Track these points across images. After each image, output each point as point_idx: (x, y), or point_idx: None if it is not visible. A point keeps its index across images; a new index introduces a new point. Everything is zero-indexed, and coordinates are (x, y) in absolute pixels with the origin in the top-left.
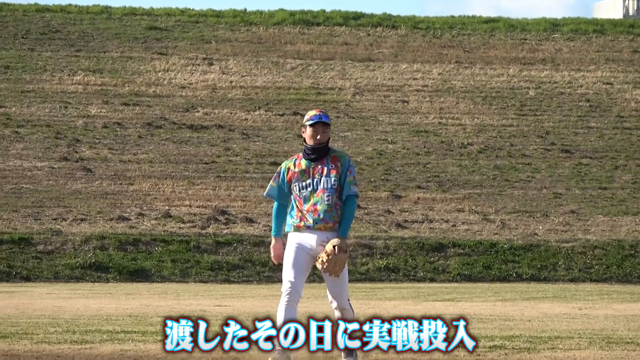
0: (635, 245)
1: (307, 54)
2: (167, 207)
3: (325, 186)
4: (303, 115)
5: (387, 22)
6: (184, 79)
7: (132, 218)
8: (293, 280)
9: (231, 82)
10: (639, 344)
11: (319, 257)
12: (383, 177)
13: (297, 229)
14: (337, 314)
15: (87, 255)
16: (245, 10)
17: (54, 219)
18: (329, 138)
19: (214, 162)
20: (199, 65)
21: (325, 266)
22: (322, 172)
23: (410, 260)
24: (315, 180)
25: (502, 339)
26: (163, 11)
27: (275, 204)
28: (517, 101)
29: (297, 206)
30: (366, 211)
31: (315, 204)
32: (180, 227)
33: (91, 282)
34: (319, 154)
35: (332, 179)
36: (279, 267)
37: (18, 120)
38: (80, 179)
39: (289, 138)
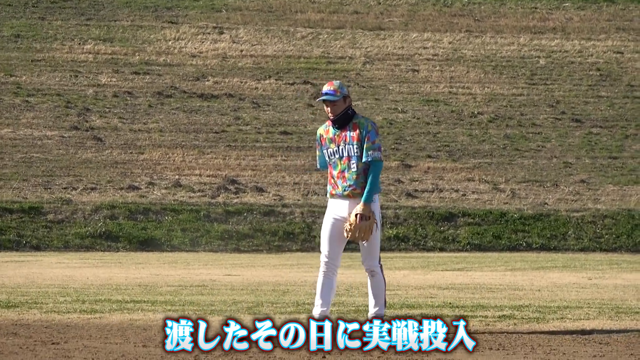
0: None
1: (317, 22)
2: (177, 177)
3: (350, 154)
4: (313, 85)
5: None
6: (194, 48)
7: (142, 187)
8: (328, 252)
9: (241, 51)
10: None
11: (344, 226)
12: (393, 147)
13: (332, 196)
14: (368, 279)
15: (97, 224)
16: None
17: (64, 188)
18: (348, 106)
19: (224, 131)
20: (209, 34)
21: (349, 235)
22: (345, 140)
23: (420, 229)
24: (340, 147)
25: (511, 309)
26: None
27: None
28: (528, 70)
29: (330, 172)
30: None
31: (343, 171)
32: (190, 197)
33: (101, 251)
34: (341, 122)
35: (355, 147)
36: (289, 237)
37: (28, 89)
38: (90, 148)
39: (299, 107)
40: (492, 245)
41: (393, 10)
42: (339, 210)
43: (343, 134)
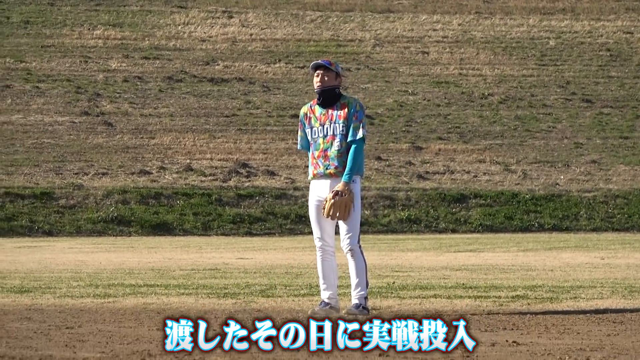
0: None
1: (326, 5)
2: (188, 161)
3: (335, 132)
4: None
5: None
6: (204, 32)
7: (153, 172)
8: (320, 236)
9: (251, 34)
10: None
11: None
12: (404, 129)
13: (314, 177)
14: (348, 261)
15: (109, 209)
16: None
17: (76, 174)
18: (338, 85)
19: (235, 115)
20: (218, 18)
21: (324, 212)
22: (331, 119)
23: (432, 211)
24: (325, 126)
25: (524, 289)
26: None
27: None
28: (538, 51)
29: (311, 154)
30: (387, 163)
31: (325, 150)
32: (201, 181)
33: (113, 236)
34: (328, 98)
35: (341, 125)
36: (300, 220)
37: (39, 75)
38: (101, 134)
39: (309, 90)
40: (504, 226)
41: None
42: (321, 192)
43: (330, 112)
